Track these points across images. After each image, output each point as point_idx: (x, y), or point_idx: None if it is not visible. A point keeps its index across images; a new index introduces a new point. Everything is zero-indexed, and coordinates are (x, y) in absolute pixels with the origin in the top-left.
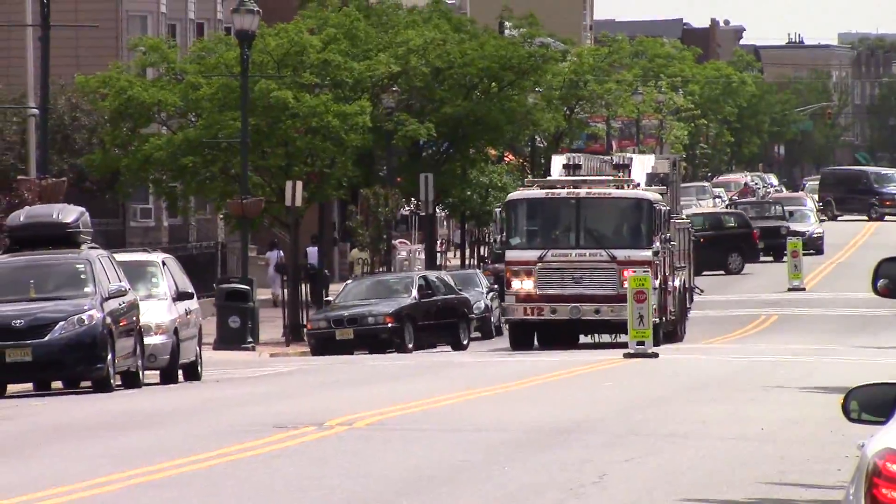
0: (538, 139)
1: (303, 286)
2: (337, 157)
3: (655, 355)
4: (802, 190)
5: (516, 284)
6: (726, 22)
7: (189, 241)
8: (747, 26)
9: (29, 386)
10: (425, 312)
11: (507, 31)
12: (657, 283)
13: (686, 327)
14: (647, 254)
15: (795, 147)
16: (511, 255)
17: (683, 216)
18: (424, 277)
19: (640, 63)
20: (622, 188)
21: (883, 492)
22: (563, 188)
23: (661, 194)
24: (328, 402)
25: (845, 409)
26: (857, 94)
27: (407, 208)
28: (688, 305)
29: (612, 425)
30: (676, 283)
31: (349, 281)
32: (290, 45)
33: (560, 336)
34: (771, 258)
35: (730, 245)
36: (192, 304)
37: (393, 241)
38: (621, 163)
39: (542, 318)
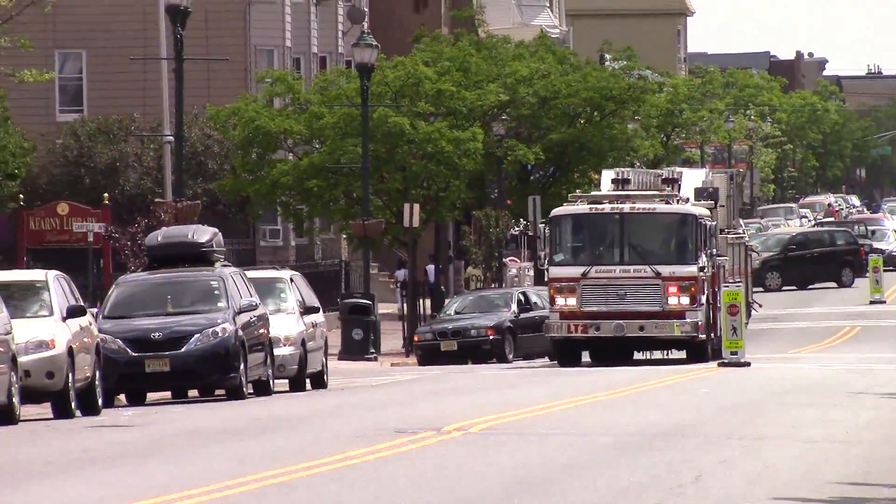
0: (637, 164)
1: (421, 301)
2: (451, 180)
3: (748, 364)
4: (882, 211)
5: (560, 301)
6: (810, 54)
7: (315, 260)
8: (830, 58)
9: (167, 394)
10: (524, 325)
11: (607, 64)
12: (703, 298)
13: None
14: (691, 269)
15: (875, 170)
16: (555, 271)
17: (740, 231)
18: (524, 293)
19: (730, 93)
20: (668, 203)
21: None
22: (607, 203)
23: (709, 209)
24: (444, 409)
25: None
26: None
27: (516, 228)
28: (744, 321)
29: (708, 429)
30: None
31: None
32: (407, 76)
33: (609, 353)
34: (851, 274)
35: (841, 260)
36: (318, 317)
37: (504, 259)
38: (671, 177)
39: (586, 335)
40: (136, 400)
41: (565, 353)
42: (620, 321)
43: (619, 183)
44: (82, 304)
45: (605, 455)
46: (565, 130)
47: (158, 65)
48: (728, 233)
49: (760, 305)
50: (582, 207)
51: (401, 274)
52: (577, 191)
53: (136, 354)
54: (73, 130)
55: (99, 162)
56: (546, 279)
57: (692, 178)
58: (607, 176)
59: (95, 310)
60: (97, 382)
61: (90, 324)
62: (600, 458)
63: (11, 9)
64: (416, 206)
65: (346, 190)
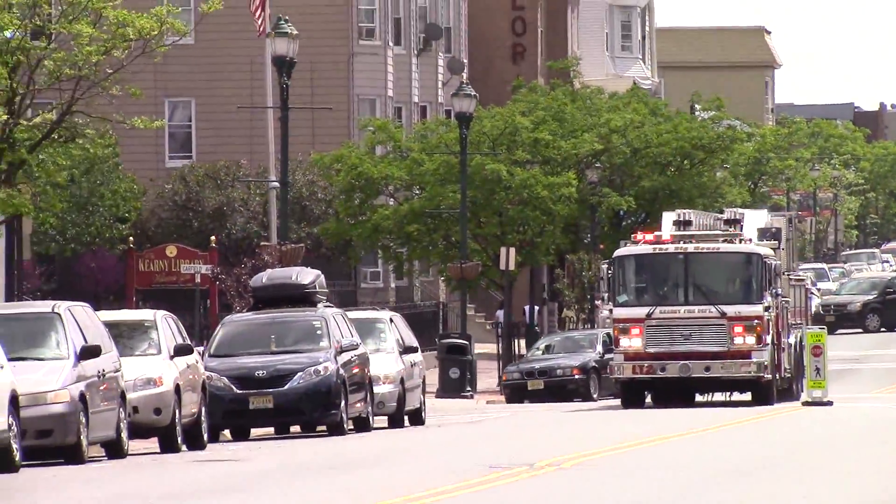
0: (726, 211)
1: (516, 341)
2: (546, 225)
3: (830, 403)
4: None
5: (624, 342)
6: (893, 105)
7: (414, 301)
8: None
9: (270, 430)
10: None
11: (697, 114)
12: (769, 338)
13: (803, 385)
14: (757, 309)
15: None
16: (619, 312)
17: (799, 273)
18: (608, 334)
19: (816, 142)
20: (731, 243)
21: None
22: (671, 243)
23: (772, 249)
24: (536, 445)
25: None
26: None
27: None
28: (804, 362)
29: (793, 463)
30: (791, 339)
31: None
32: (505, 125)
33: (672, 394)
34: None
35: None
36: (417, 356)
37: (596, 302)
38: (732, 218)
39: (652, 375)
40: (241, 436)
41: (630, 395)
42: (686, 362)
43: (681, 224)
44: (189, 342)
45: (697, 486)
46: (656, 178)
47: (265, 113)
48: (789, 275)
49: None
50: (645, 248)
51: (501, 314)
52: (641, 232)
53: (240, 392)
54: (181, 176)
55: (207, 206)
56: (609, 320)
57: (754, 220)
58: (668, 218)
59: (202, 348)
60: (203, 418)
61: (196, 362)
62: (693, 489)
63: (123, 59)
64: (512, 250)
65: (444, 234)
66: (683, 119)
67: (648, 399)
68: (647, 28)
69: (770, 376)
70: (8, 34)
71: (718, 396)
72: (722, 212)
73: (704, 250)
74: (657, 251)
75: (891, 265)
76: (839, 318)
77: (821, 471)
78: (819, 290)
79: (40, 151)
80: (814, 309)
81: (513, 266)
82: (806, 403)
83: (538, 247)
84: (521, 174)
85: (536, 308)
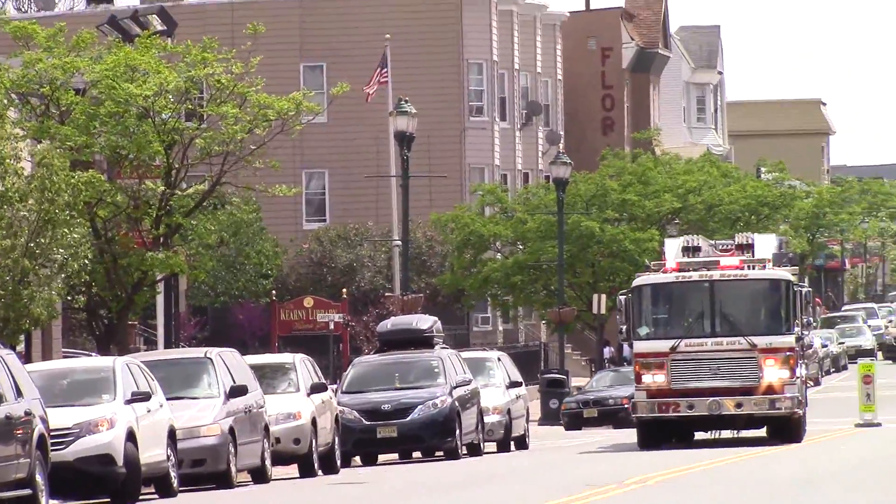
0: (737, 236)
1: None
2: (633, 275)
3: (879, 424)
4: None
5: (647, 378)
6: None
7: (519, 342)
8: None
9: (395, 456)
10: None
11: (762, 176)
12: (798, 371)
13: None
14: (789, 340)
15: None
16: (640, 346)
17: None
18: None
19: (865, 198)
20: (753, 268)
21: None
22: (693, 271)
23: (793, 275)
24: (622, 465)
25: None
26: None
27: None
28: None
29: (852, 477)
30: (802, 371)
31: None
32: (596, 188)
33: (683, 432)
34: None
35: None
36: (522, 390)
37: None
38: (745, 243)
39: (678, 414)
40: (369, 461)
41: (650, 434)
42: (716, 398)
43: (690, 251)
44: (324, 381)
45: (768, 497)
46: (728, 232)
47: (388, 180)
48: None
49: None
50: (667, 276)
51: (606, 351)
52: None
53: (368, 423)
54: (317, 237)
55: (339, 263)
56: (629, 355)
57: (765, 244)
58: (674, 244)
59: (335, 386)
60: (336, 447)
61: (330, 398)
62: (766, 499)
63: (265, 136)
64: (604, 296)
65: (544, 283)
66: (750, 180)
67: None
68: (718, 102)
69: (801, 412)
70: (164, 116)
71: (726, 434)
72: (732, 238)
73: (731, 278)
74: (681, 279)
75: None
76: (888, 350)
77: (882, 481)
78: (870, 326)
79: (193, 217)
80: (870, 345)
81: (604, 310)
82: (858, 425)
83: None
84: (611, 231)
85: (625, 346)
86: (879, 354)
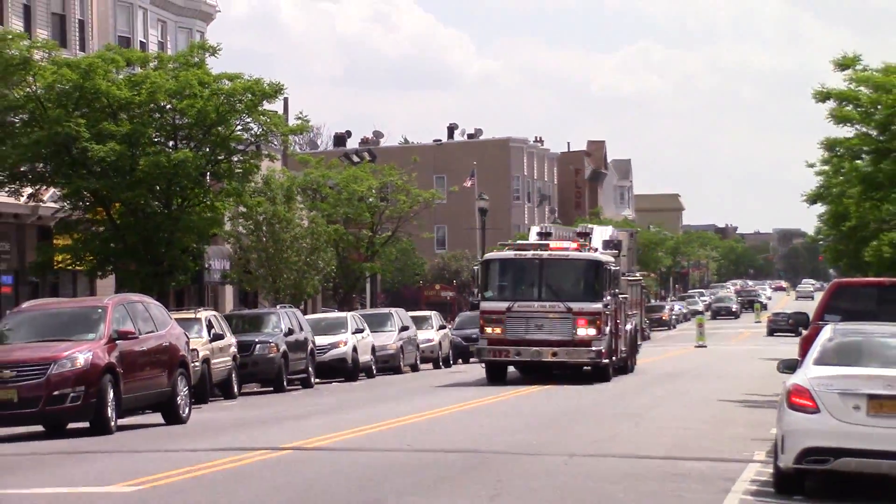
0: (579, 226)
1: None
2: None
3: (706, 346)
4: None
5: (488, 330)
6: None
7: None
8: None
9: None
10: None
11: (651, 228)
12: (608, 329)
13: (636, 360)
14: (597, 306)
15: None
16: (485, 305)
17: (637, 274)
18: None
19: (699, 241)
20: (580, 251)
21: (795, 398)
22: (530, 250)
23: (613, 257)
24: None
25: (778, 368)
26: None
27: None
28: (639, 342)
29: (597, 410)
30: (628, 327)
31: None
32: None
33: (535, 371)
34: None
35: None
36: (411, 332)
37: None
38: (584, 231)
39: (509, 359)
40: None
41: (493, 373)
42: (538, 348)
43: (543, 235)
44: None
45: (516, 430)
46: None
47: (475, 230)
48: (628, 276)
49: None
50: (508, 253)
51: None
52: (510, 241)
53: (465, 343)
54: (441, 257)
55: (451, 270)
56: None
57: (601, 233)
58: (534, 230)
59: (451, 326)
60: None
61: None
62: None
63: (418, 209)
64: None
65: None
66: (644, 232)
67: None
68: (630, 195)
69: (607, 360)
70: (369, 200)
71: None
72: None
73: (556, 257)
74: (517, 256)
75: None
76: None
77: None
78: (702, 299)
79: (385, 247)
80: (701, 308)
81: None
82: (697, 347)
83: None
84: None
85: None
86: (708, 314)
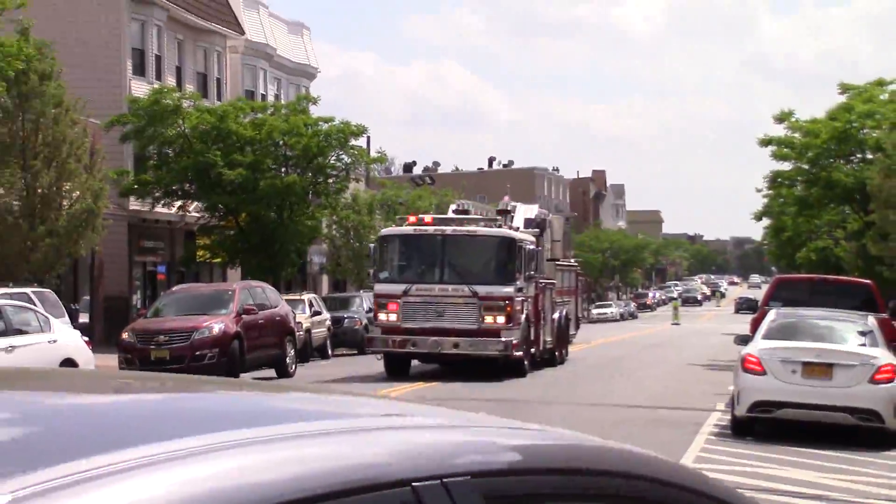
0: (500, 203)
1: None
2: None
3: (679, 324)
4: None
5: (382, 316)
6: None
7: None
8: None
9: None
10: None
11: (640, 236)
12: (522, 317)
13: (567, 351)
14: (507, 290)
15: None
16: (379, 287)
17: (572, 261)
18: None
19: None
20: (489, 227)
21: (747, 364)
22: (432, 225)
23: (534, 236)
24: None
25: (735, 341)
26: None
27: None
28: (571, 332)
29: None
30: (556, 315)
31: None
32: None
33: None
34: None
35: None
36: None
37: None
38: (505, 209)
39: (405, 350)
40: None
41: (393, 366)
42: (437, 338)
43: (459, 213)
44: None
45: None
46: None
47: None
48: (562, 262)
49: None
50: (407, 228)
51: None
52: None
53: None
54: None
55: None
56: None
57: (525, 211)
58: (451, 207)
59: None
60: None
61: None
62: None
63: None
64: None
65: None
66: (632, 240)
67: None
68: (624, 210)
69: (520, 353)
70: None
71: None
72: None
73: (462, 233)
74: (417, 232)
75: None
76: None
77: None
78: (676, 288)
79: None
80: (675, 295)
81: None
82: (673, 324)
83: None
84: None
85: None
86: (679, 300)
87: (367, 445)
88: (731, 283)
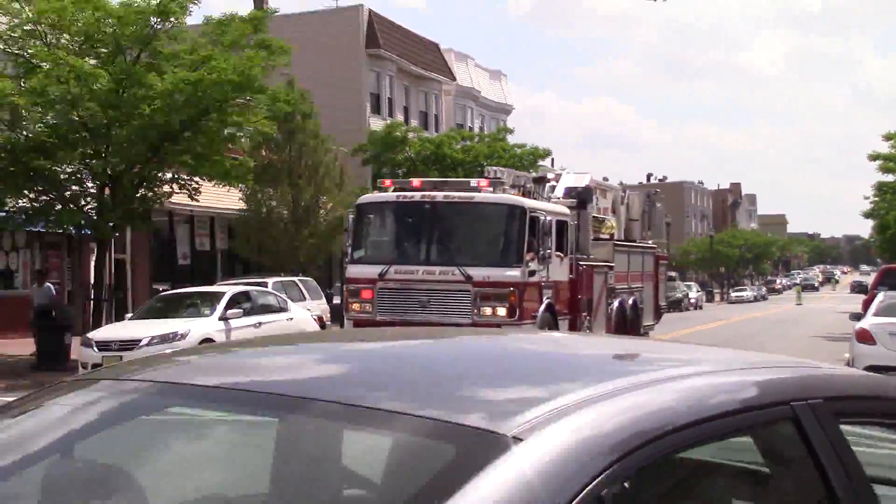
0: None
1: None
2: None
3: (801, 304)
4: None
5: (355, 306)
6: None
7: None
8: None
9: None
10: None
11: None
12: (541, 308)
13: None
14: (513, 273)
15: None
16: (352, 270)
17: (650, 242)
18: None
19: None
20: (490, 190)
21: (860, 335)
22: (419, 190)
23: (569, 207)
24: None
25: (850, 318)
26: None
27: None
28: (647, 322)
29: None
30: (615, 304)
31: None
32: None
33: None
34: None
35: None
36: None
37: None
38: (542, 176)
39: None
40: None
41: None
42: None
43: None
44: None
45: None
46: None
47: None
48: (640, 243)
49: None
50: (388, 195)
51: None
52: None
53: None
54: None
55: None
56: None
57: (569, 180)
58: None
59: None
60: None
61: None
62: None
63: None
64: None
65: None
66: None
67: None
68: None
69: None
70: None
71: None
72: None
73: (455, 199)
74: (400, 199)
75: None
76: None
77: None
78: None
79: None
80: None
81: None
82: (797, 305)
83: None
84: None
85: None
86: (801, 286)
87: (759, 376)
88: (843, 273)
